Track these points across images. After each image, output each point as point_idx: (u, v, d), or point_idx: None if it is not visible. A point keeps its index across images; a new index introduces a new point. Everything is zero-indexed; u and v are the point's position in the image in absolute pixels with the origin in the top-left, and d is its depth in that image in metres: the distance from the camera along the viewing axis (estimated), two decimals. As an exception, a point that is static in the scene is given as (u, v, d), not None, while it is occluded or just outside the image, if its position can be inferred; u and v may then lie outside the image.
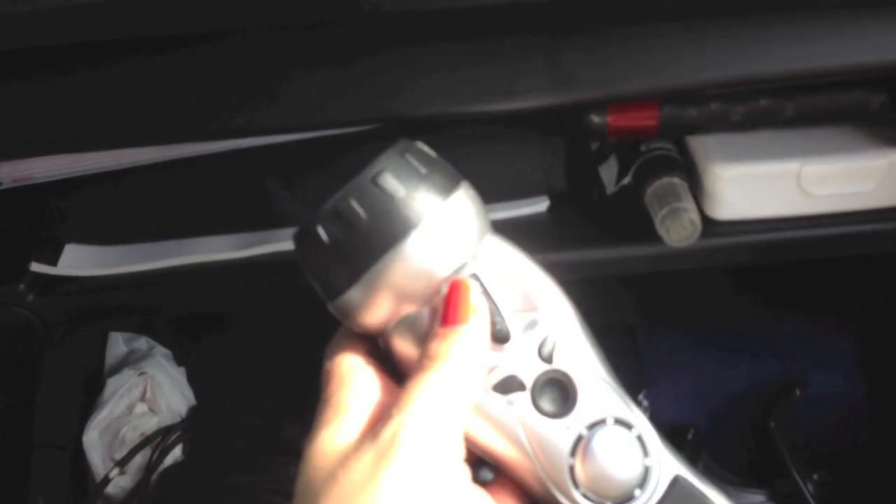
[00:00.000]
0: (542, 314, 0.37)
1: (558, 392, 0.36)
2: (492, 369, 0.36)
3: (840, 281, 0.74)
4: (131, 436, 0.73)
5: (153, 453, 0.73)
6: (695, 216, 0.50)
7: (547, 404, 0.36)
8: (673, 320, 0.77)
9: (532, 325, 0.36)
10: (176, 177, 0.53)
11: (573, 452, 0.36)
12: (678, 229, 0.50)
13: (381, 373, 0.36)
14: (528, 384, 0.36)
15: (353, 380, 0.36)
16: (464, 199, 0.37)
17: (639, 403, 0.38)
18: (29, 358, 0.69)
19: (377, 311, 0.36)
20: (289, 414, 0.73)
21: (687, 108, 0.52)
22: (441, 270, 0.35)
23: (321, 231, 0.35)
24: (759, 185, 0.52)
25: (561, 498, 0.36)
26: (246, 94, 0.44)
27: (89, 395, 0.76)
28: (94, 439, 0.73)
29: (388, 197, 0.35)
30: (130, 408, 0.75)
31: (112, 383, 0.76)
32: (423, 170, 0.36)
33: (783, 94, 0.52)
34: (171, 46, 0.44)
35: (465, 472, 0.35)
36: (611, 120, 0.53)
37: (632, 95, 0.46)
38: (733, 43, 0.44)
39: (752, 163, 0.52)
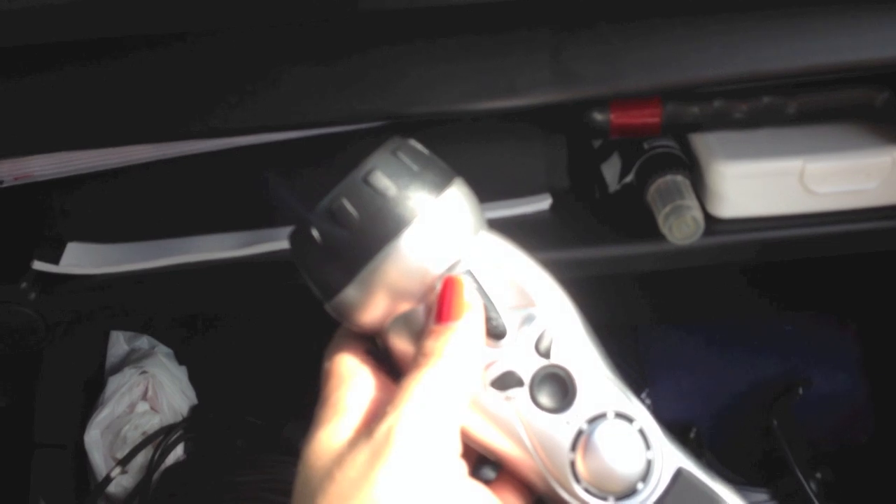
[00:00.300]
0: (539, 309, 0.36)
1: (557, 387, 0.36)
2: (489, 365, 0.36)
3: (843, 279, 0.74)
4: (133, 435, 0.73)
5: (155, 452, 0.73)
6: (698, 214, 0.50)
7: (546, 399, 0.36)
8: (675, 319, 0.77)
9: (529, 319, 0.36)
10: (177, 175, 0.53)
11: (574, 447, 0.35)
12: (681, 227, 0.50)
13: (378, 372, 0.37)
14: (527, 380, 0.36)
15: (351, 379, 0.36)
16: (456, 195, 0.37)
17: (641, 402, 0.38)
18: (31, 356, 0.69)
19: (373, 309, 0.36)
20: (290, 413, 0.73)
21: (690, 105, 0.52)
22: (435, 267, 0.35)
23: (314, 232, 0.35)
24: (762, 182, 0.52)
25: (563, 493, 0.36)
26: (248, 91, 0.44)
27: (90, 394, 0.76)
28: (95, 438, 0.73)
29: (380, 195, 0.35)
30: (132, 407, 0.75)
31: (113, 382, 0.76)
32: (414, 167, 0.36)
33: (786, 92, 0.52)
34: (170, 44, 0.43)
35: (462, 467, 0.35)
36: (613, 117, 0.53)
37: (634, 92, 0.46)
38: (736, 40, 0.44)
39: (756, 160, 0.52)
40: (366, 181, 0.35)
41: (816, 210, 0.52)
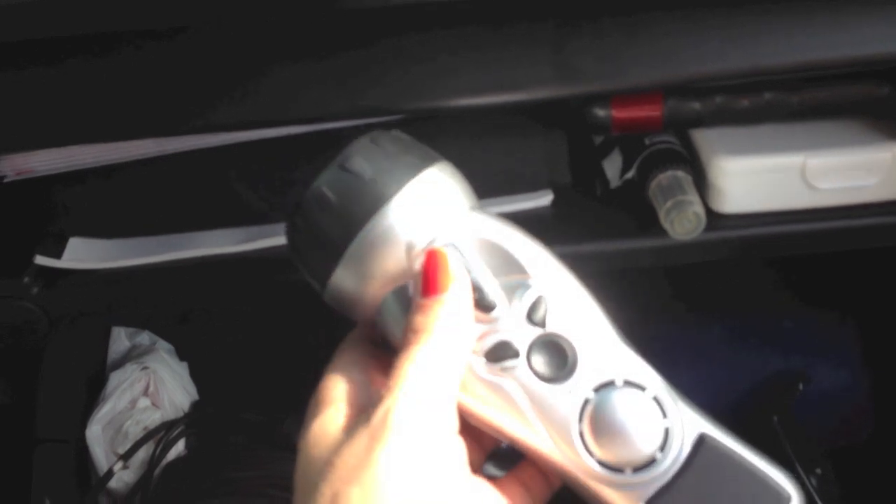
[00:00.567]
0: (533, 279, 0.36)
1: (556, 356, 0.36)
2: (482, 336, 0.36)
3: (844, 275, 0.74)
4: (134, 430, 0.73)
5: (156, 448, 0.73)
6: (699, 209, 0.50)
7: (545, 369, 0.35)
8: (675, 315, 0.77)
9: (522, 290, 0.36)
10: (180, 170, 0.53)
11: (581, 417, 0.35)
12: (683, 222, 0.50)
13: (373, 363, 0.37)
14: (522, 350, 0.35)
15: (344, 373, 0.36)
16: (437, 174, 0.37)
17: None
18: (33, 351, 0.69)
19: (364, 290, 0.36)
20: (290, 408, 0.73)
21: (691, 101, 0.52)
22: (418, 241, 0.35)
23: (299, 221, 0.36)
24: (764, 178, 0.52)
25: (574, 469, 0.35)
26: (249, 87, 0.44)
27: (92, 390, 0.76)
28: (97, 433, 0.73)
29: (357, 178, 0.35)
30: (133, 402, 0.75)
31: (115, 378, 0.76)
32: (392, 150, 0.37)
33: (788, 87, 0.52)
34: (170, 39, 0.44)
35: (461, 444, 0.34)
36: (615, 113, 0.53)
37: (636, 88, 0.46)
38: (738, 35, 0.44)
39: (757, 156, 0.52)
40: (343, 167, 0.36)
41: (817, 206, 0.52)
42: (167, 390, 0.77)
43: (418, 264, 0.35)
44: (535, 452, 0.36)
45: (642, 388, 0.35)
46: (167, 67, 0.44)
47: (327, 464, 0.32)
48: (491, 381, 0.35)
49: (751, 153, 0.52)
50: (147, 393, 0.76)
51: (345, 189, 0.35)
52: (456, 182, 0.38)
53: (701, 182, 0.53)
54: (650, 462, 0.34)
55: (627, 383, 0.35)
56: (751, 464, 0.35)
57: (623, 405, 0.35)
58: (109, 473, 0.71)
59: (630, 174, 0.55)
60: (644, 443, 0.34)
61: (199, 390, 0.81)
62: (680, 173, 0.52)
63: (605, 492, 0.35)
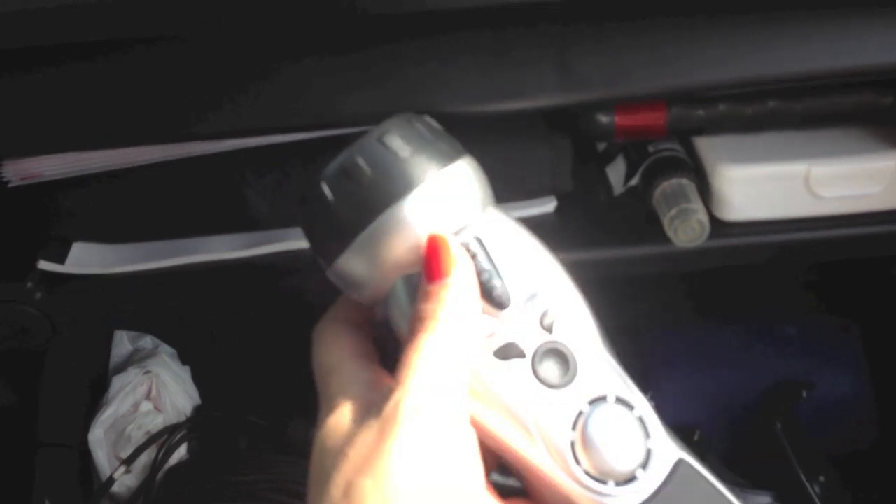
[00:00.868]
0: (543, 288, 0.37)
1: (558, 364, 0.36)
2: (491, 335, 0.36)
3: (847, 282, 0.74)
4: (136, 434, 0.73)
5: (158, 452, 0.73)
6: (703, 217, 0.50)
7: (547, 374, 0.36)
8: (679, 322, 0.77)
9: (533, 296, 0.36)
10: (183, 176, 0.53)
11: (574, 427, 0.35)
12: (686, 230, 0.50)
13: (374, 352, 0.37)
14: (528, 353, 0.36)
15: (351, 364, 0.36)
16: (465, 167, 0.37)
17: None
18: (35, 355, 0.69)
19: (378, 269, 0.36)
20: (294, 413, 0.73)
21: (695, 108, 0.52)
22: (442, 230, 0.36)
23: (326, 188, 0.36)
24: (768, 186, 0.52)
25: (562, 476, 0.35)
26: (254, 92, 0.44)
27: (94, 394, 0.76)
28: (99, 437, 0.73)
29: (393, 155, 0.36)
30: (136, 406, 0.75)
31: (117, 381, 0.76)
32: (428, 135, 0.37)
33: (792, 95, 0.52)
34: (177, 45, 0.44)
35: (473, 433, 0.34)
36: (619, 120, 0.53)
37: (640, 95, 0.46)
38: (742, 43, 0.44)
39: (761, 164, 0.52)
40: (380, 141, 0.36)
41: (821, 214, 0.52)
42: (170, 394, 0.77)
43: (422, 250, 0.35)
44: (525, 457, 0.36)
45: (631, 407, 0.36)
46: (172, 73, 0.44)
47: (340, 454, 0.32)
48: (493, 378, 0.36)
49: (755, 161, 0.52)
50: (149, 397, 0.76)
51: (380, 163, 0.35)
52: (479, 178, 0.38)
53: (705, 190, 0.53)
54: (631, 478, 0.35)
55: (619, 400, 0.36)
56: (723, 492, 0.36)
57: (613, 421, 0.36)
58: (112, 478, 0.71)
59: (633, 181, 0.55)
60: (628, 459, 0.35)
61: (202, 394, 0.81)
62: (684, 181, 0.52)
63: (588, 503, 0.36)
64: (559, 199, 0.56)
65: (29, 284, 0.53)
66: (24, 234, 0.55)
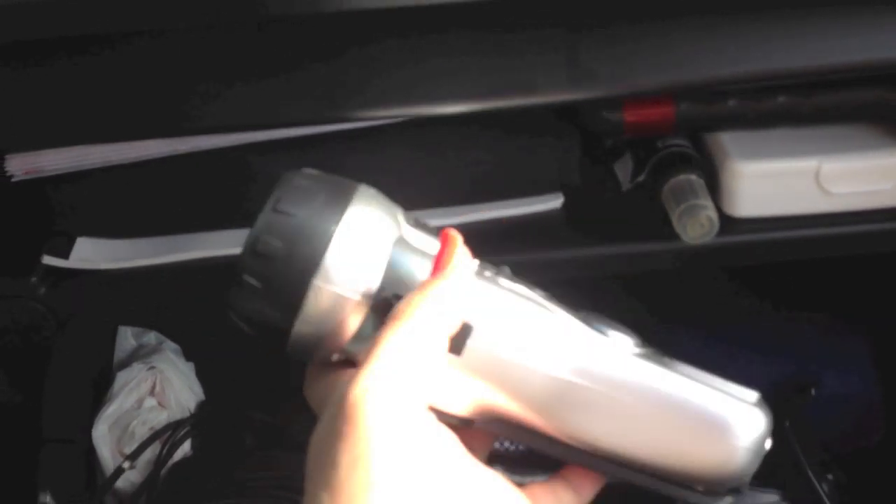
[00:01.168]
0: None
1: None
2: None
3: (855, 280, 0.74)
4: (140, 430, 0.73)
5: (162, 448, 0.73)
6: (712, 213, 0.50)
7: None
8: (686, 320, 0.77)
9: None
10: (188, 170, 0.53)
11: None
12: (695, 226, 0.50)
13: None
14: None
15: (331, 383, 0.36)
16: (364, 199, 0.36)
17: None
18: (40, 351, 0.69)
19: (334, 331, 0.35)
20: (297, 409, 0.73)
21: (704, 104, 0.52)
22: (379, 255, 0.35)
23: (249, 279, 0.35)
24: (777, 182, 0.52)
25: None
26: (259, 87, 0.44)
27: (98, 390, 0.76)
28: (103, 433, 0.73)
29: (294, 218, 0.35)
30: (140, 402, 0.75)
31: (121, 377, 0.75)
32: (315, 184, 0.36)
33: (802, 91, 0.52)
34: (180, 39, 0.43)
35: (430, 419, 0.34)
36: (627, 116, 0.52)
37: (650, 91, 0.46)
38: (752, 39, 0.44)
39: (771, 160, 0.52)
40: (277, 210, 0.35)
41: (832, 210, 0.52)
42: (174, 390, 0.77)
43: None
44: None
45: None
46: (176, 67, 0.44)
47: (322, 453, 0.32)
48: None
49: (764, 157, 0.52)
50: (153, 393, 0.76)
51: (286, 232, 0.35)
52: (382, 201, 0.37)
53: (714, 186, 0.52)
54: None
55: None
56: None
57: None
58: (116, 473, 0.71)
59: (641, 177, 0.55)
60: None
61: (206, 391, 0.81)
62: (693, 177, 0.51)
63: None
64: (566, 195, 0.56)
65: (33, 279, 0.53)
66: (28, 228, 0.55)
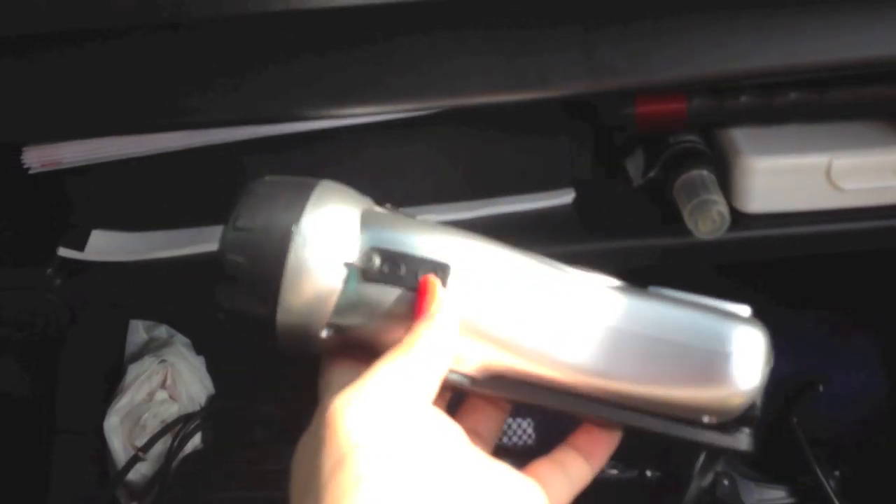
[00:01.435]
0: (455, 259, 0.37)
1: None
2: None
3: (863, 277, 0.74)
4: (152, 423, 0.74)
5: (173, 441, 0.73)
6: (723, 209, 0.50)
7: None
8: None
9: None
10: (203, 164, 0.53)
11: None
12: (706, 222, 0.50)
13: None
14: None
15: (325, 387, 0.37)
16: (323, 196, 0.37)
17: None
18: (54, 343, 0.69)
19: (310, 321, 0.36)
20: (307, 403, 0.73)
21: (716, 100, 0.52)
22: (337, 262, 0.36)
23: (222, 299, 0.36)
24: (789, 178, 0.52)
25: None
26: (277, 81, 0.44)
27: (110, 382, 0.77)
28: (114, 425, 0.73)
29: (254, 232, 0.36)
30: (151, 395, 0.75)
31: (133, 370, 0.76)
32: (272, 192, 0.37)
33: (814, 87, 0.52)
34: (198, 32, 0.44)
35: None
36: (639, 112, 0.52)
37: (664, 85, 0.46)
38: (766, 34, 0.44)
39: (782, 156, 0.52)
40: (235, 228, 0.36)
41: (842, 206, 0.52)
42: (184, 384, 0.77)
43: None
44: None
45: None
46: (195, 60, 0.44)
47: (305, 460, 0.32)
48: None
49: (776, 153, 0.52)
50: (164, 386, 0.76)
51: (247, 248, 0.35)
52: (341, 196, 0.38)
53: (725, 181, 0.53)
54: None
55: None
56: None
57: None
58: (127, 465, 0.71)
59: (653, 173, 0.55)
60: None
61: (216, 384, 0.81)
62: (704, 172, 0.52)
63: None
64: (578, 190, 0.56)
65: (49, 271, 0.53)
66: (44, 220, 0.55)
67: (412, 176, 0.55)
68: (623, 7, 0.43)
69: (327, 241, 0.36)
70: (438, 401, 0.37)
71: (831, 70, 0.47)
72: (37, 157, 0.51)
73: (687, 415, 0.37)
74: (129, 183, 0.54)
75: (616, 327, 0.36)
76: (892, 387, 0.73)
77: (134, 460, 0.71)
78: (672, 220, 0.52)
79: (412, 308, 0.36)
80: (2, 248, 0.55)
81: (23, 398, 0.73)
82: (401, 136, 0.51)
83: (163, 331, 0.82)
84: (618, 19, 0.43)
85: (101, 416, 0.73)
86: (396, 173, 0.54)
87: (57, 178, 0.52)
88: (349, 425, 0.31)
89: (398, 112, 0.48)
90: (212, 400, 0.79)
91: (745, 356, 0.36)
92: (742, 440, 0.38)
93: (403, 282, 0.36)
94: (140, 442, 0.72)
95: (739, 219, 0.52)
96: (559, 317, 0.36)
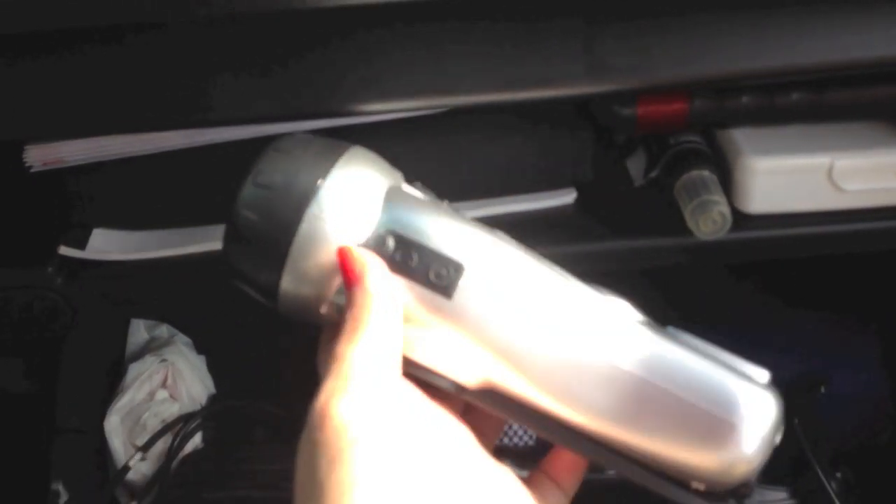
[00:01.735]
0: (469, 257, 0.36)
1: None
2: None
3: (864, 278, 0.74)
4: (152, 422, 0.74)
5: (174, 440, 0.73)
6: (725, 209, 0.50)
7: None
8: (696, 317, 0.77)
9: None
10: (204, 162, 0.53)
11: None
12: (708, 222, 0.50)
13: None
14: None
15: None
16: (350, 163, 0.36)
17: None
18: (55, 341, 0.69)
19: (313, 294, 0.35)
20: (308, 403, 0.73)
21: (717, 101, 0.52)
22: (349, 239, 0.35)
23: (229, 254, 0.36)
24: (790, 178, 0.52)
25: None
26: (279, 79, 0.44)
27: (111, 381, 0.77)
28: (115, 425, 0.73)
29: (272, 191, 0.35)
30: (152, 394, 0.75)
31: (134, 369, 0.76)
32: (299, 153, 0.36)
33: (815, 88, 0.52)
34: (201, 30, 0.44)
35: (415, 394, 0.35)
36: (641, 112, 0.52)
37: (666, 85, 0.46)
38: (768, 34, 0.44)
39: (783, 156, 0.52)
40: (255, 183, 0.35)
41: (844, 207, 0.52)
42: (185, 383, 0.77)
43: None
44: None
45: None
46: (195, 58, 0.44)
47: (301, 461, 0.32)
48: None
49: (777, 153, 0.52)
50: (165, 385, 0.76)
51: (264, 206, 0.35)
52: (371, 166, 0.37)
53: (726, 182, 0.53)
54: None
55: None
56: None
57: None
58: (127, 465, 0.71)
59: (654, 173, 0.55)
60: None
61: (217, 384, 0.81)
62: (706, 173, 0.51)
63: None
64: (579, 190, 0.56)
65: (50, 270, 0.53)
66: (45, 219, 0.55)
67: (413, 176, 0.55)
68: (625, 7, 0.43)
69: (343, 216, 0.35)
70: (452, 403, 0.37)
71: (833, 70, 0.47)
72: (38, 156, 0.51)
73: (676, 475, 0.34)
74: (130, 182, 0.54)
75: (623, 368, 0.34)
76: (893, 388, 0.73)
77: (134, 460, 0.71)
78: (673, 220, 0.52)
79: (419, 299, 0.35)
80: (3, 247, 0.55)
81: (23, 397, 0.73)
82: (401, 136, 0.51)
83: (164, 330, 0.82)
84: (619, 19, 0.43)
85: (102, 415, 0.73)
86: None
87: (58, 176, 0.52)
88: (338, 422, 0.31)
89: (399, 112, 0.48)
90: (212, 399, 0.79)
91: (751, 429, 0.33)
92: None
93: (412, 274, 0.35)
94: (140, 441, 0.72)
95: (741, 219, 0.52)
96: (567, 344, 0.34)
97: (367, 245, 0.35)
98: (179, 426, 0.74)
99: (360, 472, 0.30)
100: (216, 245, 0.53)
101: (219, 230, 0.55)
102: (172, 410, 0.75)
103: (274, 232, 0.35)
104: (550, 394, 0.35)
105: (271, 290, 0.36)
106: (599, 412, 0.34)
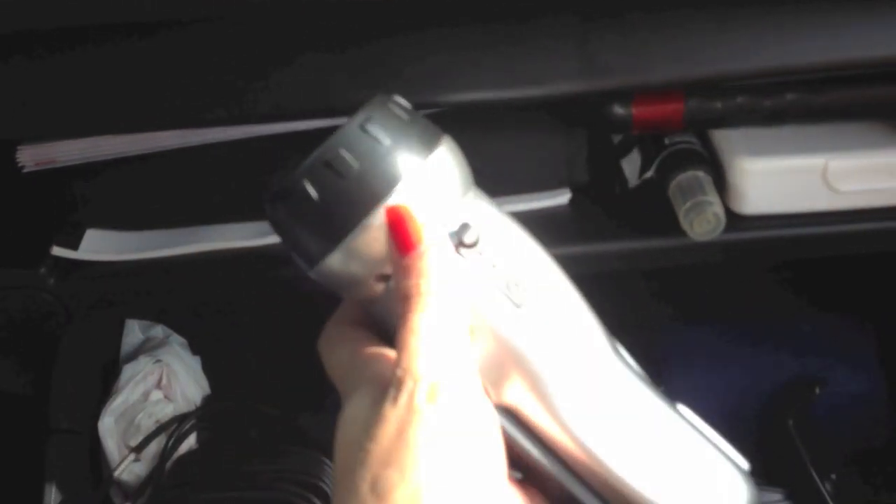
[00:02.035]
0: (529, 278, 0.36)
1: None
2: None
3: (862, 279, 0.74)
4: (146, 423, 0.73)
5: (168, 441, 0.73)
6: (719, 210, 0.50)
7: None
8: (692, 318, 0.77)
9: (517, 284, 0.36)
10: (198, 163, 0.53)
11: None
12: (702, 223, 0.50)
13: (379, 344, 0.36)
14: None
15: (358, 361, 0.36)
16: (448, 152, 0.35)
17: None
18: (48, 342, 0.69)
19: (370, 266, 0.34)
20: (305, 403, 0.73)
21: (713, 101, 0.52)
22: (431, 220, 0.34)
23: (309, 186, 0.33)
24: (785, 179, 0.52)
25: None
26: (270, 79, 0.44)
27: (105, 382, 0.77)
28: (109, 425, 0.73)
29: (379, 144, 0.33)
30: (146, 395, 0.75)
31: (128, 370, 0.76)
32: (407, 119, 0.35)
33: (811, 88, 0.51)
34: (195, 29, 0.44)
35: (491, 407, 0.35)
36: (636, 112, 0.52)
37: (661, 84, 0.46)
38: (764, 34, 0.44)
39: (778, 157, 0.52)
40: (364, 129, 0.33)
41: (839, 208, 0.52)
42: (180, 384, 0.77)
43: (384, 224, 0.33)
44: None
45: None
46: (189, 59, 0.44)
47: (362, 450, 0.31)
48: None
49: (772, 154, 0.52)
50: (160, 386, 0.76)
51: (366, 154, 0.33)
52: (462, 160, 0.37)
53: (721, 183, 0.53)
54: None
55: None
56: None
57: None
58: (121, 466, 0.71)
59: (649, 174, 0.55)
60: None
61: (212, 384, 0.81)
62: (700, 174, 0.51)
63: None
64: (574, 190, 0.56)
65: (43, 270, 0.53)
66: (38, 220, 0.55)
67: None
68: (620, 6, 0.43)
69: (433, 201, 0.34)
70: None
71: (828, 70, 0.47)
72: (31, 156, 0.51)
73: None
74: (123, 182, 0.54)
75: (637, 424, 0.37)
76: (890, 389, 0.73)
77: (128, 461, 0.71)
78: (668, 221, 0.52)
79: (486, 300, 0.35)
80: (-4, 247, 0.55)
81: (17, 397, 0.73)
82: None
83: (159, 330, 0.82)
84: (615, 19, 0.43)
85: (96, 415, 0.73)
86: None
87: (51, 176, 0.52)
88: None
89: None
90: (207, 400, 0.79)
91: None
92: None
93: (487, 275, 0.35)
94: (134, 442, 0.72)
95: (735, 220, 0.52)
96: (593, 378, 0.37)
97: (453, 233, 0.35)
98: (174, 427, 0.74)
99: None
100: (209, 245, 0.54)
101: (214, 230, 0.56)
102: (167, 411, 0.75)
103: (359, 192, 0.33)
104: (573, 428, 0.36)
105: (313, 258, 0.34)
106: (599, 455, 0.36)
